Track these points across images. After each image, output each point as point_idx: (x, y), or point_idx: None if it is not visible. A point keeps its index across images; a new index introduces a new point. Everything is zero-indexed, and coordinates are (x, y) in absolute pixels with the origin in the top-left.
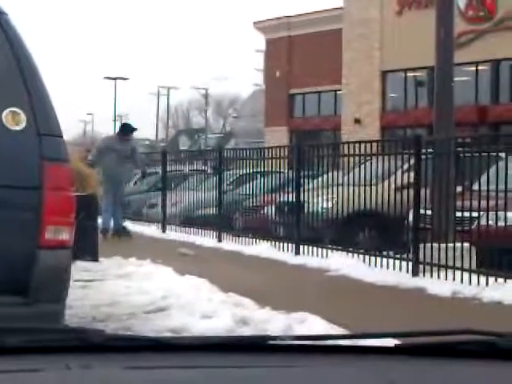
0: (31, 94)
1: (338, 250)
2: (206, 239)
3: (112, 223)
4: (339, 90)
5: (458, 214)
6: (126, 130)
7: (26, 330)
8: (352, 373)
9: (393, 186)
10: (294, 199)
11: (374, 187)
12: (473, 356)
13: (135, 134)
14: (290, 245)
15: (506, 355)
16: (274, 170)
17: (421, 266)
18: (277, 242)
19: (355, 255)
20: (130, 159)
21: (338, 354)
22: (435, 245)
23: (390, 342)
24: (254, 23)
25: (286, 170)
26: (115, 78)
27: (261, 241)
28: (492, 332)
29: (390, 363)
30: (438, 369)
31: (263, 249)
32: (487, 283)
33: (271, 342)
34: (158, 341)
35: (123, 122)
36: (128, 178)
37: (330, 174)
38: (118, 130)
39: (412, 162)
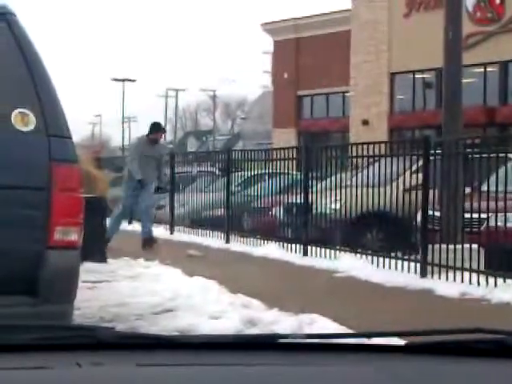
0: (40, 96)
1: (346, 251)
2: (214, 240)
3: (148, 231)
4: (347, 92)
5: (467, 215)
6: (152, 130)
7: (36, 328)
8: (363, 371)
9: (401, 187)
10: (303, 200)
11: (382, 188)
12: (482, 354)
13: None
14: (298, 246)
15: None
16: (282, 171)
17: (429, 267)
18: (285, 243)
19: (363, 256)
20: (158, 165)
21: (348, 353)
22: (444, 246)
23: (400, 342)
24: (262, 25)
25: (294, 172)
26: (123, 80)
27: (269, 242)
28: (501, 330)
29: (399, 361)
30: (448, 367)
31: (271, 250)
32: (496, 284)
33: (281, 341)
34: (168, 339)
35: (153, 122)
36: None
37: (338, 175)
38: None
39: (420, 163)
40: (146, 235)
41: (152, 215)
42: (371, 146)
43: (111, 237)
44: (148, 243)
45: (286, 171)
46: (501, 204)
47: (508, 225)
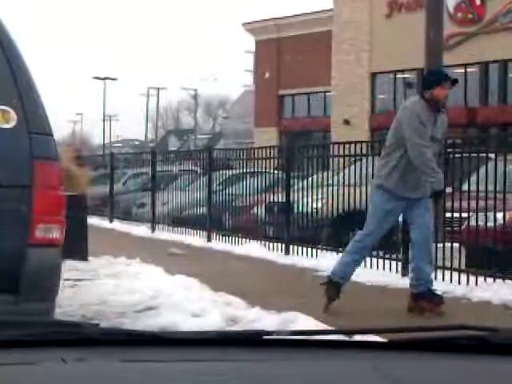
0: (21, 93)
1: (327, 249)
2: (196, 239)
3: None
4: (329, 92)
5: (448, 214)
6: (429, 85)
7: (20, 324)
8: (347, 367)
9: None
10: (284, 199)
11: (363, 188)
12: (466, 350)
13: (126, 134)
14: (279, 245)
15: (498, 350)
16: (263, 170)
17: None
18: (266, 242)
19: None
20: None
21: (332, 349)
22: None
23: (383, 339)
24: (244, 24)
25: (276, 171)
26: (104, 79)
27: (250, 241)
28: (485, 327)
29: (384, 357)
30: (432, 363)
31: (253, 249)
32: (477, 283)
33: (266, 337)
34: (153, 335)
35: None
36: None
37: (319, 174)
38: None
39: None
40: (421, 287)
41: (430, 248)
42: (352, 146)
43: (339, 281)
44: (421, 303)
45: (267, 170)
46: (481, 203)
47: (488, 224)
